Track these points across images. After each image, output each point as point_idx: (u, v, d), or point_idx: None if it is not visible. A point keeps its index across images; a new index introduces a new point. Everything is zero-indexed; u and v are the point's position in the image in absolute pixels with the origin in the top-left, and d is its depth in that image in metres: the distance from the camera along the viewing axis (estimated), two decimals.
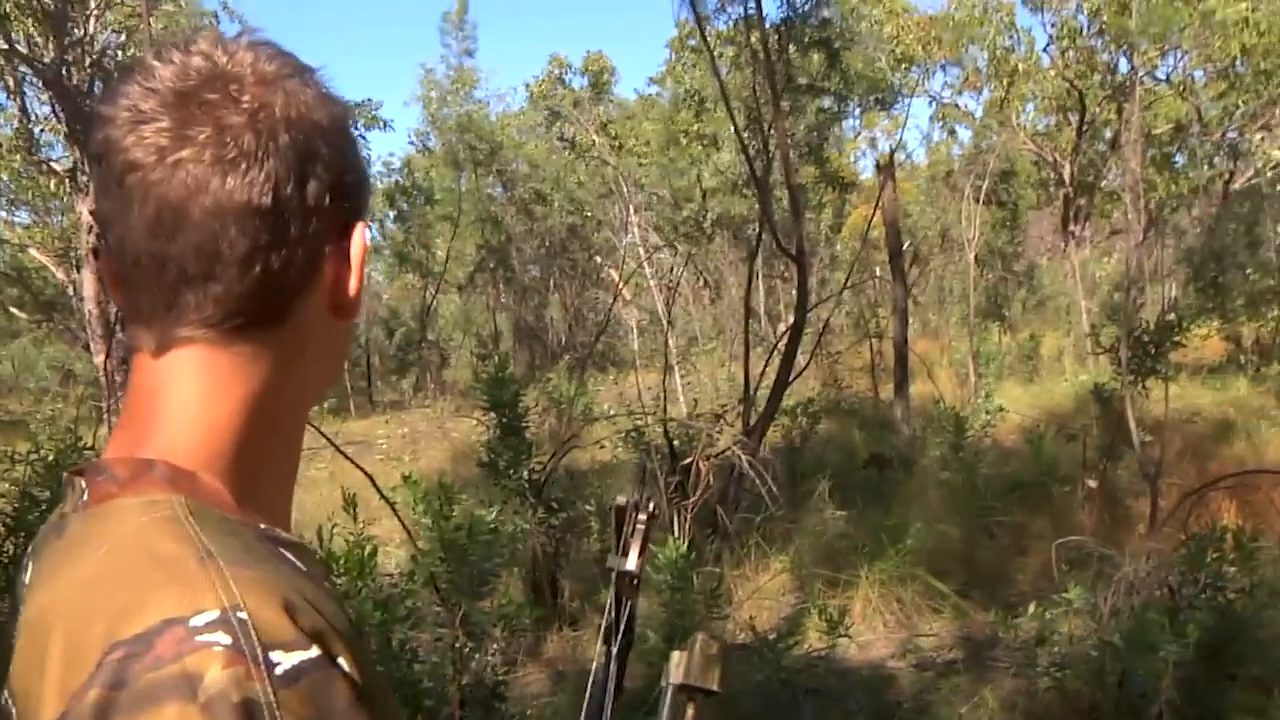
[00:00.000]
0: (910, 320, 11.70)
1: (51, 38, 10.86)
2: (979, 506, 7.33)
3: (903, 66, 22.17)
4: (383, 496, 4.77)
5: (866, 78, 19.20)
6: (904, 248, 13.09)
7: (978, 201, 16.49)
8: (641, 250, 16.03)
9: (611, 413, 9.22)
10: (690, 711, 1.22)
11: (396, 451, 12.56)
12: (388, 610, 3.71)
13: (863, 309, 17.01)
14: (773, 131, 8.49)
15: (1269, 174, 17.64)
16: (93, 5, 11.10)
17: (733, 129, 9.57)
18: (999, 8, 21.34)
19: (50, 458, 4.28)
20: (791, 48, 11.20)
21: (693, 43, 18.56)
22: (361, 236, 0.78)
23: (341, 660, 0.63)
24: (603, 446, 8.47)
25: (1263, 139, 18.16)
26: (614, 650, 1.25)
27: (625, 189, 18.09)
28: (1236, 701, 4.33)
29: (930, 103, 24.58)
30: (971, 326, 14.28)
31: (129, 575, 0.62)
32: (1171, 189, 20.92)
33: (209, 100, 0.70)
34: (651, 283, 14.66)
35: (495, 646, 4.41)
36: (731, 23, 11.28)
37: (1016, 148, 22.12)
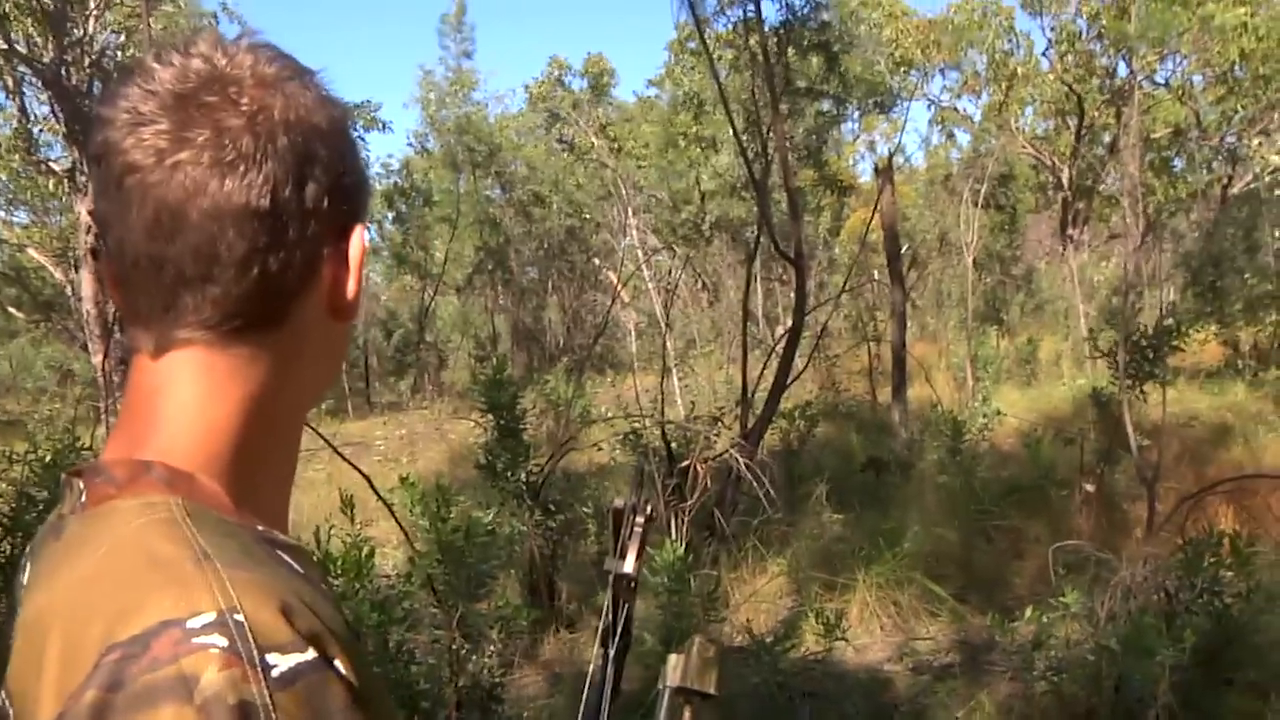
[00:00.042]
0: (908, 324, 11.71)
1: (51, 38, 10.86)
2: (976, 510, 7.34)
3: (902, 70, 22.20)
4: (380, 498, 4.77)
5: (865, 81, 19.22)
6: (902, 251, 13.10)
7: (976, 205, 16.49)
8: (640, 252, 16.02)
9: (609, 415, 9.22)
10: (687, 714, 1.22)
11: (394, 453, 12.56)
12: (385, 611, 3.71)
13: (861, 312, 17.02)
14: (771, 134, 8.49)
15: (1267, 179, 17.63)
16: (92, 5, 11.10)
17: (732, 132, 9.57)
18: (998, 12, 21.38)
19: (48, 458, 4.28)
20: (790, 51, 11.19)
21: (692, 45, 18.56)
22: (360, 239, 0.78)
23: (338, 662, 0.63)
24: (600, 449, 8.47)
25: (1261, 144, 18.17)
26: (611, 653, 1.25)
27: (624, 191, 18.07)
28: (1233, 706, 4.33)
29: (929, 106, 24.66)
30: (969, 330, 14.27)
31: (126, 577, 0.62)
32: (1170, 193, 20.94)
33: (208, 103, 0.70)
34: (650, 285, 14.65)
35: (492, 648, 4.41)
36: (731, 25, 11.27)
37: (1015, 151, 22.14)
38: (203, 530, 0.65)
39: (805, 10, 10.49)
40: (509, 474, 5.84)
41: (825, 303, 13.85)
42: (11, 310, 18.87)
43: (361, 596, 3.70)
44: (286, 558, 0.71)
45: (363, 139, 18.72)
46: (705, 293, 21.65)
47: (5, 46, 10.52)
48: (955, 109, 24.46)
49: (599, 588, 6.00)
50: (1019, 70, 21.65)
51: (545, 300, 24.27)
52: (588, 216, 23.10)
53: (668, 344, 10.04)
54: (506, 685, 4.64)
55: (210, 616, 0.59)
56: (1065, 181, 22.08)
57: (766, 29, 8.96)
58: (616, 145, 25.53)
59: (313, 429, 3.91)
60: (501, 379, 5.87)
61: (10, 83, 12.05)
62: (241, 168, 0.69)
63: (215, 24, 15.10)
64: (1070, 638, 4.45)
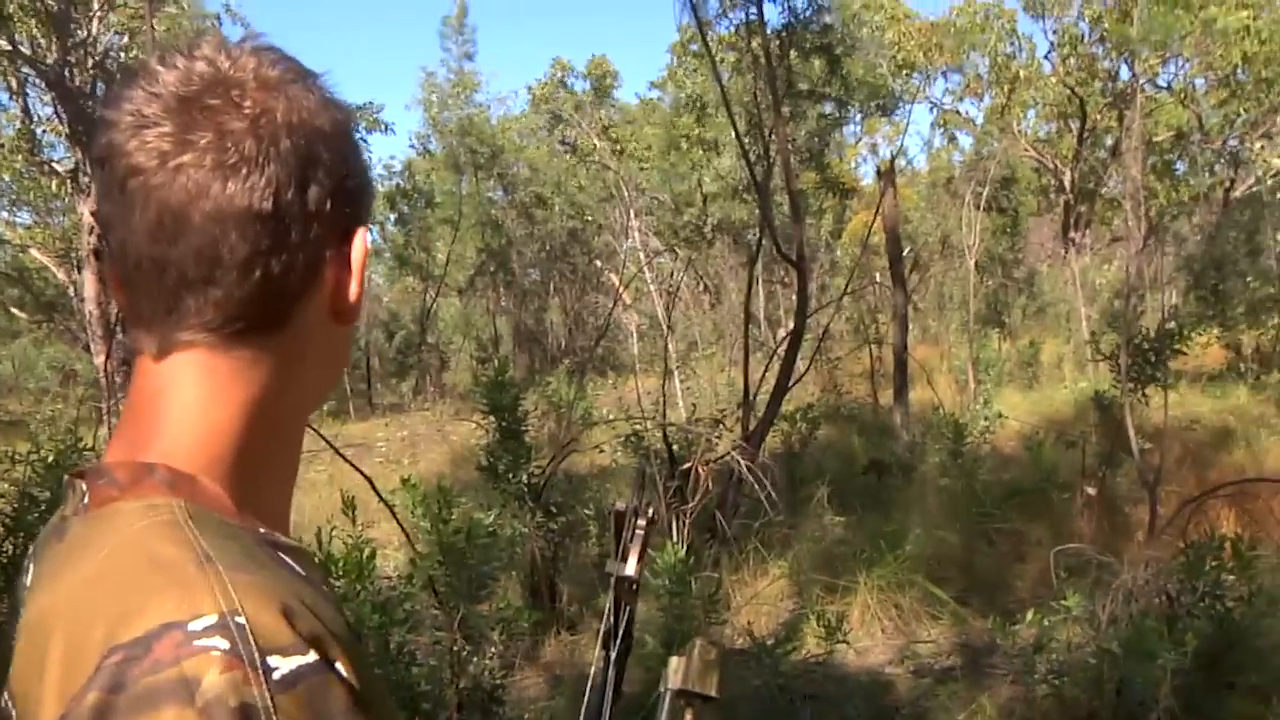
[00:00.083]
0: (910, 326, 11.71)
1: (55, 39, 10.88)
2: (978, 513, 7.33)
3: (904, 73, 22.20)
4: (382, 499, 4.77)
5: (868, 84, 19.20)
6: (904, 254, 13.11)
7: (978, 208, 16.49)
8: (642, 255, 16.02)
9: (611, 417, 9.22)
10: (688, 717, 1.22)
11: (396, 454, 12.56)
12: (386, 613, 3.72)
13: (862, 315, 17.01)
14: (773, 137, 8.50)
15: (1269, 182, 17.65)
16: (96, 7, 11.11)
17: (734, 134, 9.58)
18: (1000, 14, 21.38)
19: (50, 458, 4.28)
20: (793, 53, 11.20)
21: (694, 47, 18.55)
22: (363, 242, 0.78)
23: (339, 665, 0.63)
24: (602, 451, 8.46)
25: (1263, 147, 18.18)
26: (613, 655, 1.25)
27: (626, 193, 18.08)
28: (1234, 710, 4.33)
29: (931, 109, 24.66)
30: (971, 333, 14.27)
31: (129, 579, 0.63)
32: (1172, 196, 20.94)
33: (211, 105, 0.70)
34: (651, 287, 14.67)
35: (493, 650, 4.41)
36: (733, 28, 11.28)
37: (1017, 154, 22.15)
38: (205, 533, 0.65)
39: (807, 13, 10.50)
40: (510, 476, 5.84)
41: (827, 305, 13.85)
42: (14, 311, 18.90)
43: (363, 598, 3.70)
44: (288, 560, 0.71)
45: (365, 140, 18.75)
46: (707, 295, 21.65)
47: (9, 47, 10.53)
48: (957, 112, 24.47)
49: (600, 590, 6.00)
50: (1021, 73, 21.66)
51: (547, 302, 24.27)
52: (590, 218, 23.10)
53: (669, 346, 10.04)
54: (507, 687, 4.64)
55: (212, 619, 0.59)
56: (1067, 184, 22.08)
57: (769, 32, 8.97)
58: (619, 147, 25.54)
59: (314, 430, 3.91)
60: (503, 381, 5.87)
61: (14, 84, 12.07)
62: (244, 170, 0.69)
63: (218, 25, 15.11)
64: (1071, 641, 4.44)
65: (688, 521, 6.04)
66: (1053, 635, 4.47)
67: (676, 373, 12.09)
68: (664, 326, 11.07)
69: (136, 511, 0.67)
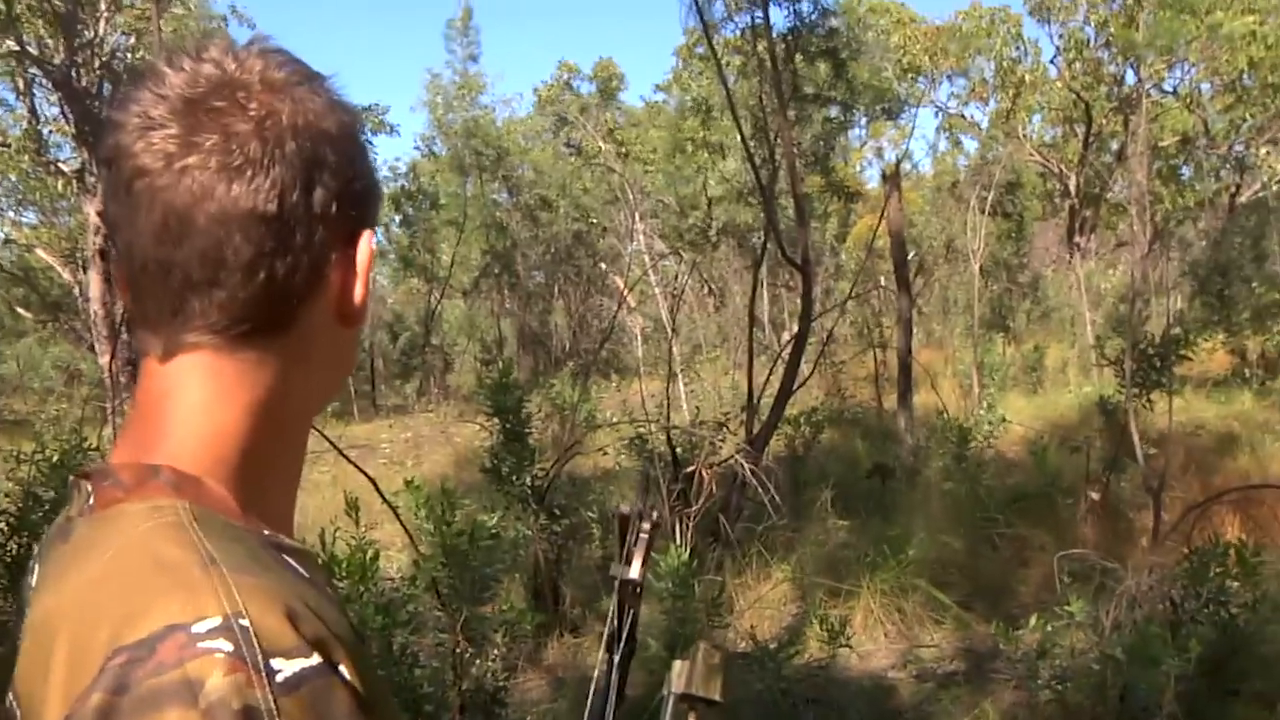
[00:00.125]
0: (914, 330, 11.70)
1: (62, 39, 10.91)
2: (981, 518, 7.32)
3: (909, 76, 22.23)
4: (385, 501, 4.77)
5: (873, 87, 19.21)
6: (909, 258, 13.10)
7: (983, 212, 16.48)
8: (646, 257, 16.04)
9: (615, 420, 9.22)
10: None
11: (399, 456, 12.56)
12: (389, 614, 3.72)
13: (867, 319, 16.99)
14: (779, 140, 8.50)
15: (1275, 187, 17.65)
16: (102, 7, 11.14)
17: (739, 137, 9.58)
18: (1006, 19, 21.40)
19: (55, 458, 4.30)
20: (798, 57, 11.20)
21: (700, 50, 18.58)
22: (368, 245, 0.78)
23: (343, 668, 0.63)
24: (605, 453, 8.46)
25: (1269, 152, 18.17)
26: (616, 659, 1.25)
27: (631, 196, 18.10)
28: (1239, 717, 4.32)
29: (936, 113, 24.71)
30: (976, 337, 14.26)
31: (133, 580, 0.63)
32: (1178, 201, 20.93)
33: (216, 107, 0.70)
34: (656, 290, 14.68)
35: (496, 652, 4.41)
36: (739, 31, 11.30)
37: (1022, 159, 22.14)
38: (209, 535, 0.65)
39: (813, 17, 10.51)
40: (514, 478, 5.84)
41: (831, 309, 13.85)
42: (19, 310, 18.96)
43: (366, 599, 3.70)
44: (292, 562, 0.71)
45: (370, 142, 18.73)
46: (711, 298, 21.66)
47: (17, 48, 10.56)
48: (963, 116, 24.49)
49: (603, 592, 6.00)
50: (1027, 77, 21.67)
51: (551, 304, 24.27)
52: (594, 221, 23.11)
53: (674, 349, 10.05)
54: (510, 689, 4.64)
55: (216, 621, 0.59)
56: (1072, 189, 22.08)
57: (774, 35, 8.97)
58: (624, 150, 25.56)
59: (318, 431, 3.91)
60: (507, 383, 5.87)
61: (21, 84, 12.12)
62: (249, 172, 0.69)
63: (224, 26, 15.14)
64: (1075, 646, 4.43)
65: (691, 525, 6.04)
66: (1056, 641, 4.46)
67: (681, 376, 12.10)
68: (668, 329, 11.07)
69: (141, 513, 0.67)
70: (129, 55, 11.65)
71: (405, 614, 3.87)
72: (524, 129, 26.60)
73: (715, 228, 20.02)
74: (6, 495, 4.29)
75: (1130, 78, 20.57)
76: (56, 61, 10.93)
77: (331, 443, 4.78)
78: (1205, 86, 19.77)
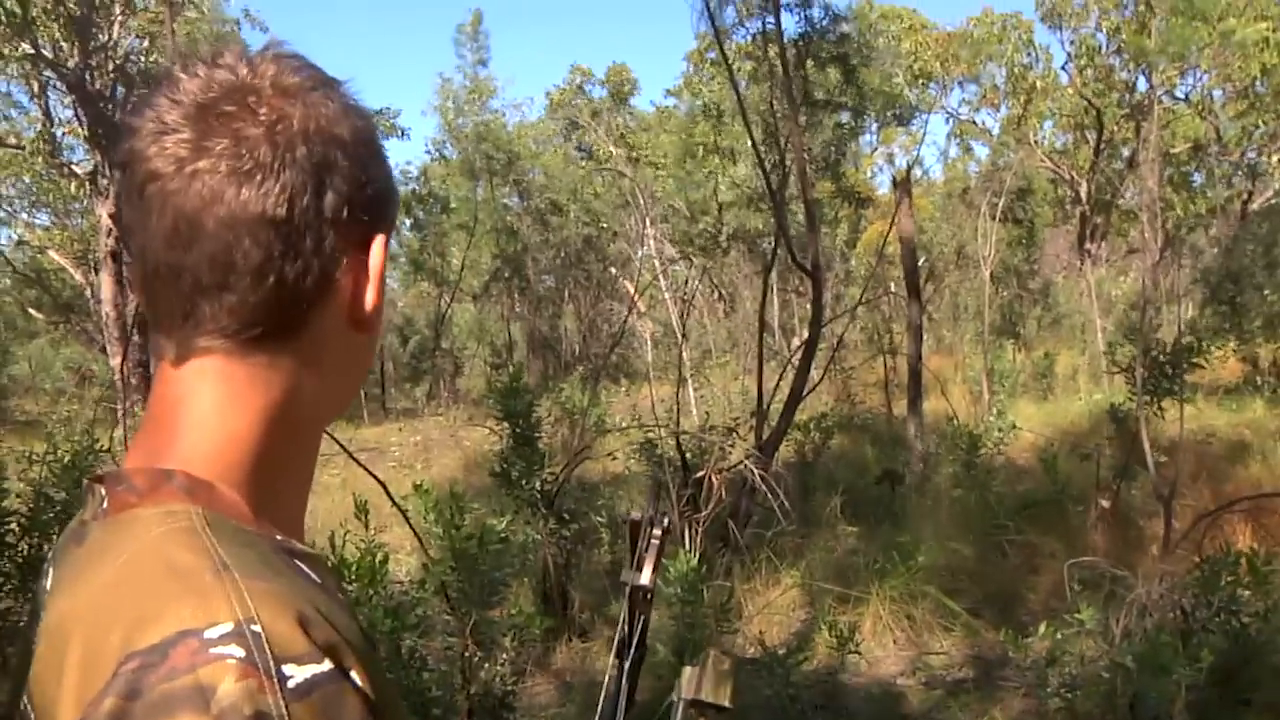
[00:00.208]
0: (924, 337, 11.67)
1: (76, 43, 10.97)
2: (991, 525, 7.30)
3: (920, 83, 22.22)
4: (395, 504, 4.78)
5: (884, 93, 19.21)
6: (919, 264, 13.07)
7: (994, 219, 16.46)
8: (657, 262, 16.05)
9: (624, 424, 9.21)
10: None
11: (409, 459, 12.58)
12: (398, 618, 3.72)
13: (877, 325, 16.98)
14: (789, 146, 8.50)
15: None
16: (116, 11, 11.20)
17: (750, 143, 9.58)
18: (1017, 25, 21.38)
19: (66, 459, 4.32)
20: (809, 63, 11.19)
21: (711, 56, 18.60)
22: (381, 249, 0.78)
23: (354, 674, 0.63)
24: (615, 458, 8.45)
25: None
26: (626, 664, 1.24)
27: (641, 201, 18.11)
28: None
29: (947, 119, 24.66)
30: (986, 344, 14.24)
31: (146, 585, 0.63)
32: (1189, 208, 20.85)
33: (227, 112, 0.70)
34: (666, 295, 14.68)
35: (504, 656, 4.41)
36: (750, 37, 11.30)
37: (1033, 165, 22.09)
38: (222, 540, 0.65)
39: (824, 22, 10.50)
40: (523, 482, 5.84)
41: (841, 315, 13.85)
42: (32, 311, 19.04)
43: (375, 602, 3.71)
44: (304, 567, 0.71)
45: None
46: (721, 303, 21.67)
47: (31, 51, 10.62)
48: (974, 122, 24.46)
49: (612, 597, 6.00)
50: (1038, 84, 21.64)
51: (561, 309, 24.30)
52: (605, 225, 23.14)
53: (684, 354, 10.04)
54: (518, 693, 4.64)
55: (228, 627, 0.59)
56: (1084, 196, 22.03)
57: (785, 41, 8.96)
58: (635, 154, 25.58)
59: (328, 434, 3.91)
60: (517, 387, 5.88)
61: (35, 86, 12.18)
62: (259, 177, 0.69)
63: (238, 30, 15.20)
64: (1085, 655, 4.41)
65: (701, 530, 6.04)
66: (1066, 648, 4.44)
67: (690, 381, 12.09)
68: (678, 334, 11.08)
69: (154, 518, 0.67)
70: (142, 59, 11.70)
71: (414, 617, 3.88)
72: (535, 133, 26.66)
73: (726, 233, 20.01)
74: (18, 496, 4.30)
75: (1142, 84, 20.55)
76: (71, 65, 10.99)
77: (341, 445, 4.79)
78: (1217, 93, 19.73)
